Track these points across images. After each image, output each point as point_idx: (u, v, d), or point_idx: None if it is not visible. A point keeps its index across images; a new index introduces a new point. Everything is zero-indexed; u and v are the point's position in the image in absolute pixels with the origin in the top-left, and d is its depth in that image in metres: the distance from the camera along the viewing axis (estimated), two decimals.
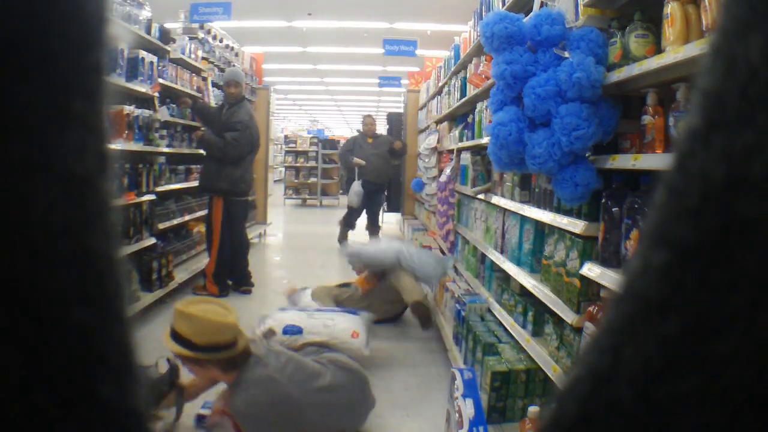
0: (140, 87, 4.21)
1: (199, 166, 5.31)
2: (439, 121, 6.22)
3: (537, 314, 2.44)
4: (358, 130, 7.72)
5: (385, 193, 7.72)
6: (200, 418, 2.54)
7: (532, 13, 2.36)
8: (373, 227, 7.58)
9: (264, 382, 2.35)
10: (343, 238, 7.42)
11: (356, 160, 7.30)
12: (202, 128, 5.00)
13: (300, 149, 14.41)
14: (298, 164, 14.27)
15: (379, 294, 4.22)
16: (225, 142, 4.78)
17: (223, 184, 4.80)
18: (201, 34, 6.53)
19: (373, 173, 7.28)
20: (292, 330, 3.18)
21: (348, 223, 7.55)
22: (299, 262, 6.49)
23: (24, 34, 0.17)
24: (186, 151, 5.31)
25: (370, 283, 4.30)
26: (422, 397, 3.10)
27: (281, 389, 2.37)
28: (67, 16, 0.18)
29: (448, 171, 4.55)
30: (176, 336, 2.29)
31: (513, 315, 2.70)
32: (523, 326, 2.54)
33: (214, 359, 2.29)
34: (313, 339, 3.12)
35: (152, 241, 4.40)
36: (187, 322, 2.28)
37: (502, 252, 2.98)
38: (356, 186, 7.24)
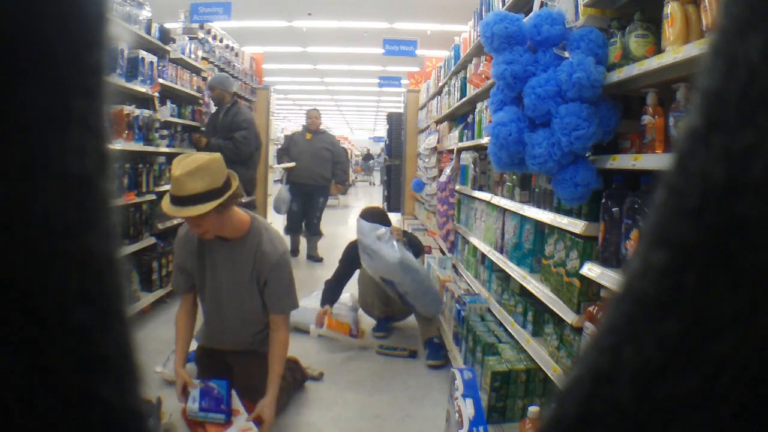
0: (140, 87, 4.21)
1: None
2: (439, 121, 6.22)
3: (537, 314, 2.44)
4: (303, 125, 6.60)
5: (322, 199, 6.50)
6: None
7: (532, 13, 2.35)
8: (312, 234, 6.57)
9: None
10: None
11: (285, 165, 6.31)
12: (199, 134, 5.04)
13: None
14: None
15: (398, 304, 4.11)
16: (236, 142, 5.02)
17: None
18: (201, 34, 6.52)
19: (303, 174, 6.18)
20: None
21: (290, 228, 6.44)
22: (299, 261, 6.49)
23: (24, 34, 0.17)
24: (186, 151, 5.32)
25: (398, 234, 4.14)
26: (422, 397, 3.10)
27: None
28: (67, 16, 0.18)
29: (448, 171, 4.55)
30: (193, 199, 2.26)
31: (513, 315, 2.70)
32: (523, 326, 2.54)
33: (233, 194, 2.37)
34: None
35: (152, 241, 4.40)
36: (200, 176, 2.27)
37: (502, 252, 2.97)
38: (282, 191, 6.16)
